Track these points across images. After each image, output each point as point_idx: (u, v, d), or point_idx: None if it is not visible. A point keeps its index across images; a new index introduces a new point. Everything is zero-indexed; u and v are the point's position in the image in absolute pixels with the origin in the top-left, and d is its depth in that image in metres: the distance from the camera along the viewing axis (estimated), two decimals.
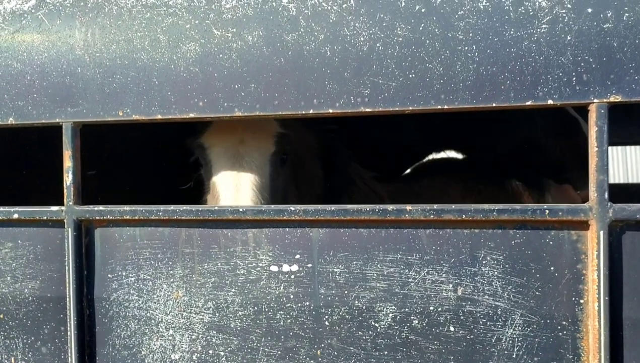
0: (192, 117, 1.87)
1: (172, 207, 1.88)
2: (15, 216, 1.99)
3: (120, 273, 1.94)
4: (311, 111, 1.80)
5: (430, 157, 3.76)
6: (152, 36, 1.90)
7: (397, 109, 1.75)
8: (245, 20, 1.85)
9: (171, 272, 1.91)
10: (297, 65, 1.81)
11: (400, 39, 1.74)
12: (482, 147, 3.16)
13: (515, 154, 2.96)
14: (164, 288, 1.91)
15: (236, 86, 1.84)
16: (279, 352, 1.83)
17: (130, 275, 1.93)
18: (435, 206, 1.73)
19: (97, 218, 1.93)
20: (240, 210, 1.84)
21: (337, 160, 2.87)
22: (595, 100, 1.60)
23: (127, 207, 1.90)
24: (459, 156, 3.65)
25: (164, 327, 1.91)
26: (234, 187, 2.22)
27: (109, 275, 1.94)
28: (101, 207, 1.92)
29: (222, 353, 1.87)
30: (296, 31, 1.81)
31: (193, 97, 1.87)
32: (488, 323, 1.72)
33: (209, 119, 1.87)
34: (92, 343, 1.95)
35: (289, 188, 2.49)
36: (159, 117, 1.89)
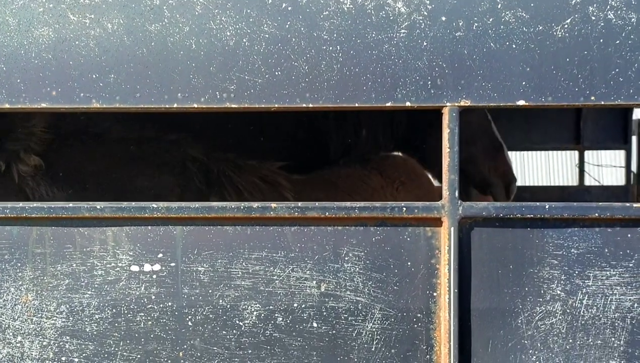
0: (44, 107, 1.74)
1: (20, 204, 1.74)
2: None
3: None
4: (175, 105, 1.74)
5: None
6: (0, 19, 1.74)
7: (262, 106, 1.74)
8: (104, 7, 1.75)
9: (20, 274, 1.76)
10: (161, 57, 1.74)
11: (267, 36, 1.73)
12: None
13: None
14: (12, 291, 1.76)
15: (94, 76, 1.74)
16: (139, 356, 1.75)
17: None
18: (299, 203, 1.74)
19: None
20: (98, 207, 1.74)
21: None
22: (448, 104, 1.69)
23: None
24: None
25: (11, 334, 1.77)
26: None
27: None
28: None
29: (76, 360, 1.76)
30: (160, 21, 1.74)
31: (45, 86, 1.74)
32: (349, 318, 1.76)
33: (64, 110, 1.75)
34: None
35: None
36: (7, 106, 1.74)
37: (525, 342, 1.74)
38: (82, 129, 2.80)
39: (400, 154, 3.60)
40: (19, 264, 1.76)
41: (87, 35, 1.74)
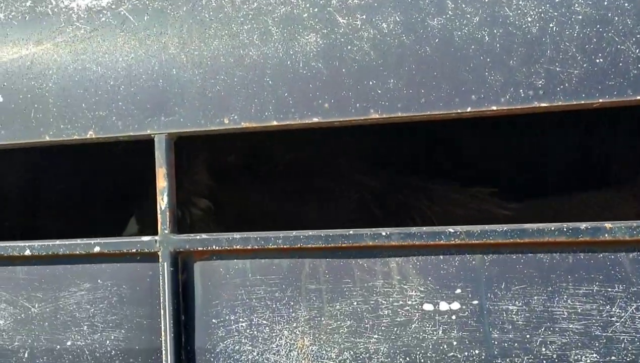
0: (317, 122, 1.53)
1: (294, 233, 1.52)
2: (97, 249, 1.63)
3: (228, 317, 1.56)
4: (469, 109, 1.45)
5: None
6: (263, 29, 1.59)
7: (582, 102, 1.40)
8: (376, 5, 1.53)
9: (293, 314, 1.53)
10: (447, 55, 1.47)
11: (580, 17, 1.41)
12: None
13: None
14: (285, 335, 1.53)
15: (371, 83, 1.51)
16: None
17: (241, 319, 1.55)
18: None
19: (199, 249, 1.57)
20: (384, 234, 1.47)
21: None
22: None
23: (237, 235, 1.54)
24: None
25: None
26: None
27: (214, 320, 1.57)
28: (204, 236, 1.57)
29: None
30: (443, 14, 1.49)
31: (316, 98, 1.53)
32: None
33: (338, 123, 1.53)
34: None
35: None
36: (275, 123, 1.55)
37: None
38: (250, 165, 2.71)
39: None
40: (292, 303, 1.53)
41: (360, 38, 1.53)
